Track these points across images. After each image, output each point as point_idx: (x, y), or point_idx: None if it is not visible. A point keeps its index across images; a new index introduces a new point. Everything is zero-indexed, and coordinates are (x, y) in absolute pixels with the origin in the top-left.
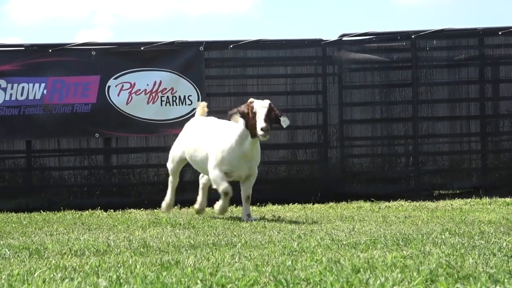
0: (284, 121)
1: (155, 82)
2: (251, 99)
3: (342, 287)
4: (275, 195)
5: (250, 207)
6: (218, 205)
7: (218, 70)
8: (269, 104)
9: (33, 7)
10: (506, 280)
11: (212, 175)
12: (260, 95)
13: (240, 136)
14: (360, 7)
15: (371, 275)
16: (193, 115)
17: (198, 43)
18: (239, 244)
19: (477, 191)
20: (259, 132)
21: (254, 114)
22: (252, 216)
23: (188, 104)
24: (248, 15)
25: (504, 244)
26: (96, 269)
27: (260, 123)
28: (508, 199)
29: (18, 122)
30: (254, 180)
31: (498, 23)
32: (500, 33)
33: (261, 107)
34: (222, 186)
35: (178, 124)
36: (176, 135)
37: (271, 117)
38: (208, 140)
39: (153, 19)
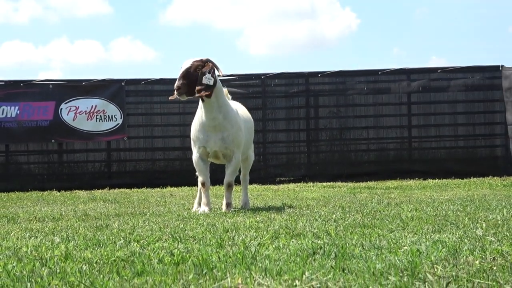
0: (206, 78)
1: (92, 105)
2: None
3: (217, 241)
4: (172, 180)
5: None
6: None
7: (134, 98)
8: (192, 62)
9: (8, 54)
10: (324, 236)
11: (193, 158)
12: (161, 115)
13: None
14: (226, 56)
15: (236, 233)
16: (117, 129)
17: (121, 80)
18: (148, 213)
19: (304, 178)
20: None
21: None
22: (232, 206)
23: (114, 121)
24: (153, 62)
25: (323, 213)
26: (53, 230)
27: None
28: (324, 183)
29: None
30: (236, 165)
31: (319, 68)
32: (319, 75)
33: (183, 65)
34: (199, 176)
35: (107, 134)
36: (106, 142)
37: (191, 76)
38: None
39: (89, 63)
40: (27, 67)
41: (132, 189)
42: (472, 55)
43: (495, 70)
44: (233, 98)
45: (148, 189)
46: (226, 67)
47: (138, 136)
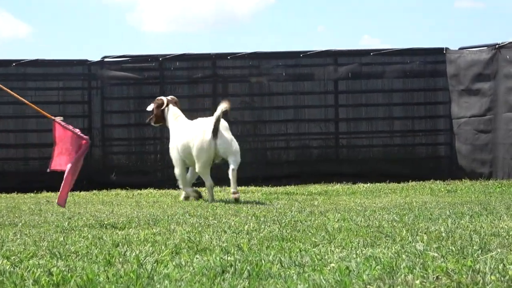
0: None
1: None
2: None
3: (105, 258)
4: (49, 183)
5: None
6: None
7: (3, 83)
8: None
9: None
10: (235, 252)
11: None
12: (37, 104)
13: None
14: (113, 34)
15: (128, 248)
16: None
17: None
18: (20, 224)
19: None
20: None
21: None
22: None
23: None
24: (27, 40)
25: (232, 223)
26: None
27: None
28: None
29: None
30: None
31: (227, 50)
32: (228, 57)
33: None
34: None
35: None
36: None
37: None
38: None
39: None
40: None
41: (7, 193)
42: (411, 36)
43: (438, 54)
44: (125, 84)
45: (19, 194)
46: (116, 48)
47: (7, 129)
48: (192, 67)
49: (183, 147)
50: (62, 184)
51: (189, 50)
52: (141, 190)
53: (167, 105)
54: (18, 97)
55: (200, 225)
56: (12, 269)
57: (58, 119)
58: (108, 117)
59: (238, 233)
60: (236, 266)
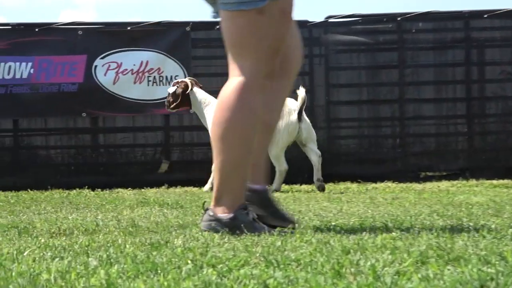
0: None
1: (141, 62)
2: None
3: (333, 268)
4: None
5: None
6: None
7: (204, 50)
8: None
9: None
10: (497, 262)
11: None
12: (223, 76)
13: None
14: None
15: (361, 256)
16: None
17: (184, 24)
18: None
19: (463, 173)
20: None
21: None
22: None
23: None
24: None
25: (493, 226)
26: (86, 248)
27: None
28: (494, 181)
29: (5, 101)
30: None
31: (483, 6)
32: (485, 16)
33: None
34: None
35: (164, 104)
36: (162, 117)
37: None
38: None
39: None
40: (43, 5)
41: (201, 188)
42: None
43: None
44: (356, 50)
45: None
46: (342, 6)
47: None
48: (439, 29)
49: None
50: None
51: (435, 8)
52: (376, 183)
53: (191, 88)
54: None
55: (452, 228)
56: (219, 280)
57: None
58: (334, 92)
59: (501, 238)
60: (498, 280)
